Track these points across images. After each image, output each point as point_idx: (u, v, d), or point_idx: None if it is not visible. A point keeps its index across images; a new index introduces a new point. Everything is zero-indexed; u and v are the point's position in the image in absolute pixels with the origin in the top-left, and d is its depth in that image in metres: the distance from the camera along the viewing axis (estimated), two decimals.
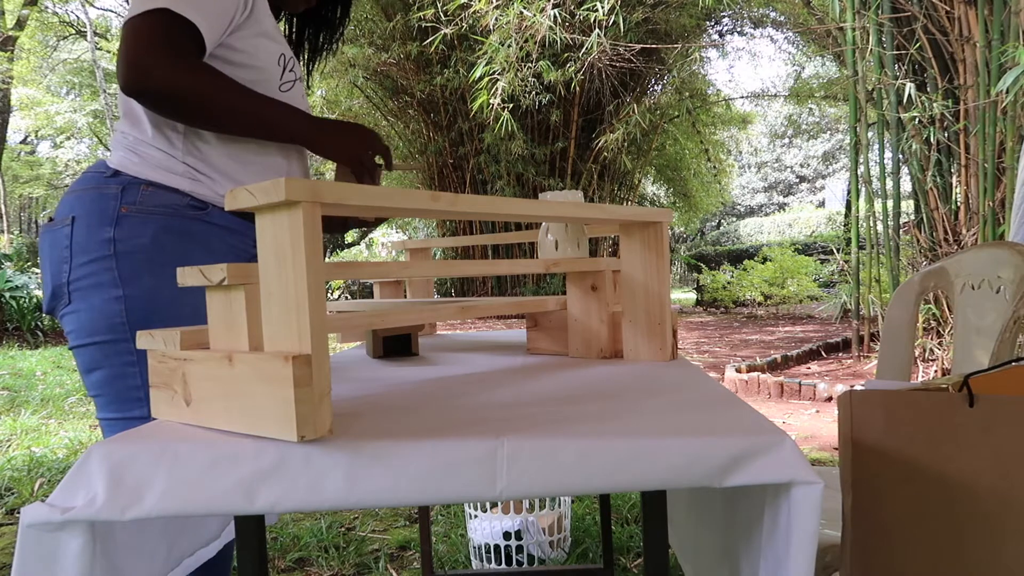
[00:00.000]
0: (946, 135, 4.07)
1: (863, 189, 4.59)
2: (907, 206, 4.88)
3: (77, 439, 3.57)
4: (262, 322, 0.62)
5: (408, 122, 10.81)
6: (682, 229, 19.18)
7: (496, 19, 5.99)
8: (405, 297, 1.64)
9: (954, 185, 4.15)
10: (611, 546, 1.76)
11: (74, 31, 18.25)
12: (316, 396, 0.59)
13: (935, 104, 3.97)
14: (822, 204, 26.51)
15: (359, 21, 9.17)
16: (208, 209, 1.07)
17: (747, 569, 0.72)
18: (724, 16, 9.92)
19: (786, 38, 10.40)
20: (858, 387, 0.82)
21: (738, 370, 4.70)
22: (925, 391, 0.76)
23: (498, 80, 6.45)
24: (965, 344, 1.42)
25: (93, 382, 1.04)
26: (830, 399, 4.02)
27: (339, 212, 0.66)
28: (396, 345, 1.27)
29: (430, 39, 7.21)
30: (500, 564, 1.97)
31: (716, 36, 10.56)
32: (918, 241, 4.40)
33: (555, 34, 5.87)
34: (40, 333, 8.15)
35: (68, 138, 20.08)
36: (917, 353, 4.30)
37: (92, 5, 17.33)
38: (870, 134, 4.78)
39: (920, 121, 4.09)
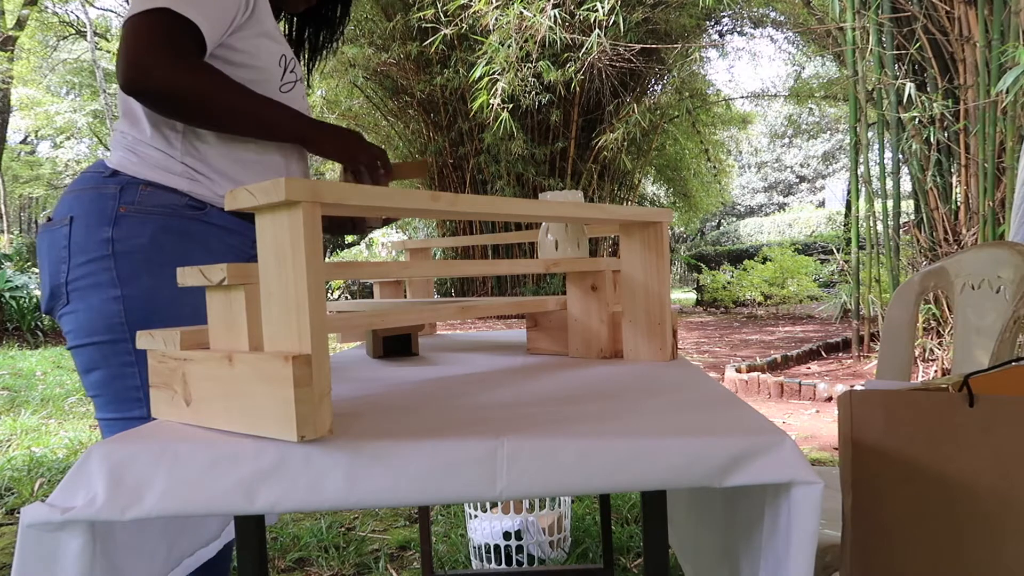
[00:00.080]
0: (946, 135, 4.07)
1: (863, 189, 4.59)
2: (907, 206, 4.88)
3: (77, 439, 3.57)
4: (262, 322, 0.62)
5: (408, 122, 10.81)
6: (682, 229, 19.18)
7: (496, 19, 5.99)
8: (405, 297, 1.63)
9: (954, 185, 4.14)
10: (611, 546, 1.76)
11: (74, 31, 18.25)
12: (316, 396, 0.59)
13: (935, 104, 3.97)
14: (822, 204, 26.50)
15: (359, 21, 9.17)
16: (207, 209, 1.07)
17: (747, 569, 0.72)
18: (724, 16, 9.91)
19: (786, 38, 10.40)
20: (858, 387, 0.82)
21: (738, 370, 4.70)
22: (925, 391, 0.76)
23: (498, 80, 6.45)
24: (965, 344, 1.42)
25: (92, 382, 1.04)
26: (830, 399, 4.02)
27: (339, 212, 0.66)
28: (396, 345, 1.27)
29: (430, 39, 7.21)
30: (500, 564, 1.97)
31: (716, 36, 10.56)
32: (918, 241, 4.40)
33: (555, 34, 5.87)
34: (40, 333, 8.15)
35: (68, 138, 20.09)
36: (917, 353, 4.30)
37: (92, 5, 17.33)
38: (870, 134, 4.77)
39: (920, 121, 4.09)
